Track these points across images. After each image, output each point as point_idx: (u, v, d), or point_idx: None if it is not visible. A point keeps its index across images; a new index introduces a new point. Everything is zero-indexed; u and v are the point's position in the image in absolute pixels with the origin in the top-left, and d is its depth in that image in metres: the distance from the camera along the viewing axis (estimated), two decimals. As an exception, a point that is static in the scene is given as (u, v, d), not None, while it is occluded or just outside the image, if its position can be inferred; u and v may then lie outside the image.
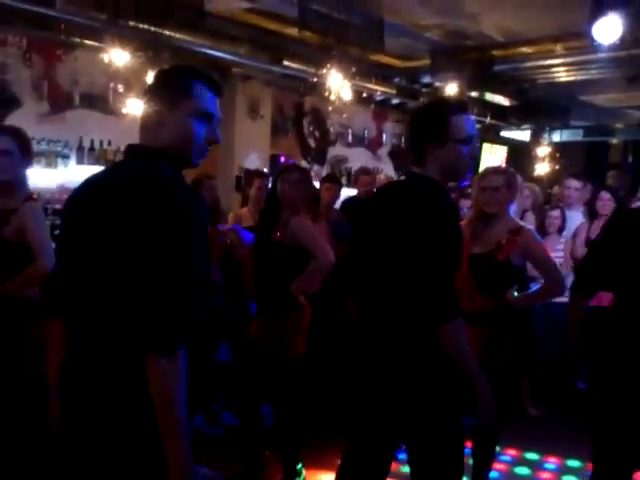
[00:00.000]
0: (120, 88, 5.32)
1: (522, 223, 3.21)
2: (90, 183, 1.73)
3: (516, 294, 3.12)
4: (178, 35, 5.11)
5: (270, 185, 4.26)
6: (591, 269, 2.49)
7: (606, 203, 4.89)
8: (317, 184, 4.97)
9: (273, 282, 3.34)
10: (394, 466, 2.58)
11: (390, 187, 2.57)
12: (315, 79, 6.08)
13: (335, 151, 8.21)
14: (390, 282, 2.14)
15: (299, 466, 3.42)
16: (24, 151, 2.80)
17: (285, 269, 3.30)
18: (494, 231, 3.05)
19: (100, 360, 1.56)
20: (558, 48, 6.16)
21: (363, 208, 2.51)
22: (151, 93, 1.70)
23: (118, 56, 4.89)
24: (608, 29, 4.55)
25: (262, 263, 3.40)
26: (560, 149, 9.61)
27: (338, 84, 5.91)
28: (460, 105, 2.27)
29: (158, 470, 1.47)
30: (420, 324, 2.06)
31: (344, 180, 7.64)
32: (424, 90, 7.60)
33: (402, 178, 2.52)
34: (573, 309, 2.57)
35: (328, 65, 5.75)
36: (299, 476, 3.42)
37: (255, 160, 6.81)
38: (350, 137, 8.35)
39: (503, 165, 9.02)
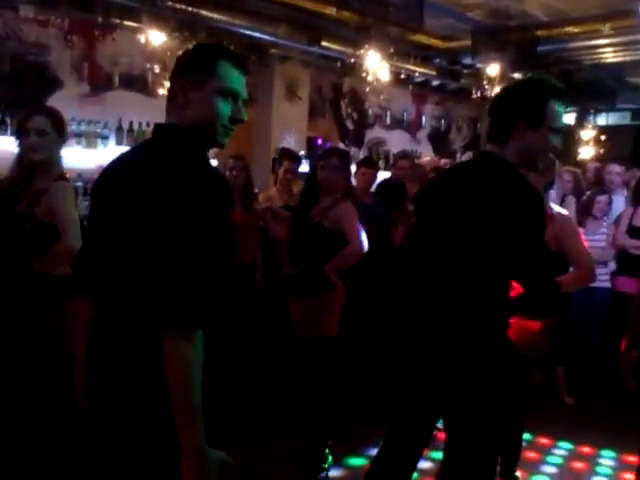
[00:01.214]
0: (157, 69, 5.34)
1: (558, 209, 3.12)
2: (117, 162, 1.74)
3: None
4: (215, 15, 5.10)
5: (309, 168, 4.25)
6: None
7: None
8: (354, 167, 4.93)
9: (309, 263, 3.35)
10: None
11: (463, 167, 2.49)
12: (353, 60, 6.00)
13: (373, 133, 8.13)
14: (471, 266, 2.09)
15: (327, 451, 3.42)
16: (59, 131, 2.83)
17: (322, 252, 3.32)
18: None
19: (121, 340, 1.58)
20: (605, 28, 5.95)
21: (431, 192, 2.38)
22: (177, 72, 1.70)
23: (155, 37, 4.92)
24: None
25: (299, 244, 3.42)
26: (606, 132, 9.34)
27: (376, 65, 5.83)
28: (559, 91, 2.21)
29: (174, 450, 1.47)
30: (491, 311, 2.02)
31: (382, 163, 7.58)
32: (465, 71, 7.45)
33: (472, 158, 2.44)
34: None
35: (366, 45, 5.68)
36: (326, 461, 3.42)
37: (292, 142, 6.79)
38: (388, 119, 8.25)
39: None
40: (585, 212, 4.86)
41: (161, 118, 1.76)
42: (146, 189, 1.53)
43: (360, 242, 3.34)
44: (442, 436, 2.43)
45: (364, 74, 5.85)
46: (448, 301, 2.13)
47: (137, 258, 1.52)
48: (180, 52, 1.94)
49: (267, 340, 4.17)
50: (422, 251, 2.27)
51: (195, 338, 1.46)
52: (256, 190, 4.85)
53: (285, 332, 3.53)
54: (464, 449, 2.16)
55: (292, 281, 3.46)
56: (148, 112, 5.70)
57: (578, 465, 3.84)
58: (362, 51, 5.67)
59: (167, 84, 5.35)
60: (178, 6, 4.75)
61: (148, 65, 5.42)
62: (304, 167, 5.56)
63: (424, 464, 3.40)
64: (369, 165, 4.93)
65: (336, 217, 3.33)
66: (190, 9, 4.83)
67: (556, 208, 3.11)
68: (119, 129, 5.73)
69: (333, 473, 3.46)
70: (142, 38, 4.94)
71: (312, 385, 3.41)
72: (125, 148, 5.59)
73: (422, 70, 7.09)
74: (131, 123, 5.74)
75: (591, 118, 9.27)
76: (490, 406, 2.10)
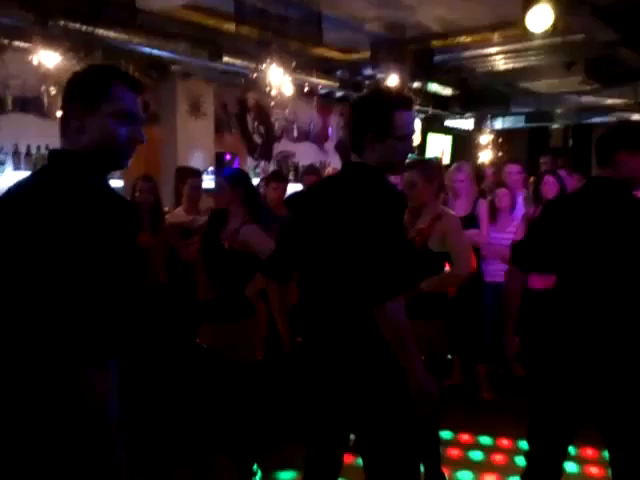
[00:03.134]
0: (53, 90, 5.16)
1: (447, 210, 3.25)
2: (13, 190, 1.67)
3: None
4: (112, 34, 4.97)
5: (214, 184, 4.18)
6: (527, 247, 2.55)
7: (551, 187, 5.01)
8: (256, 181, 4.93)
9: (228, 288, 3.32)
10: (350, 458, 2.59)
11: (331, 178, 2.56)
12: (256, 74, 6.02)
13: (281, 146, 8.16)
14: (334, 266, 2.13)
15: (255, 467, 3.39)
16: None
17: (240, 276, 3.30)
18: (421, 222, 3.11)
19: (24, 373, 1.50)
20: (495, 37, 6.23)
21: (304, 198, 2.51)
22: (69, 96, 1.65)
23: (49, 57, 4.74)
24: (540, 17, 4.63)
25: (217, 269, 3.38)
26: (503, 136, 9.79)
27: (279, 79, 5.87)
28: (405, 101, 2.26)
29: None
30: (361, 304, 2.04)
31: (291, 175, 7.63)
32: (367, 82, 7.61)
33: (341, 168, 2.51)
34: (510, 282, 2.64)
35: (268, 60, 5.71)
36: (255, 476, 3.39)
37: (200, 159, 6.72)
38: (295, 132, 8.32)
39: (446, 155, 9.16)
40: (492, 209, 5.05)
41: (59, 141, 1.71)
42: (43, 218, 1.48)
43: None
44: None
45: (267, 88, 5.88)
46: (324, 298, 2.18)
47: (39, 294, 1.45)
48: (77, 73, 1.88)
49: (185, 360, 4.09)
50: (297, 253, 2.31)
51: (107, 369, 1.41)
52: (166, 209, 4.75)
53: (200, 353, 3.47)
54: (382, 458, 2.18)
55: (209, 307, 3.42)
56: (46, 135, 5.48)
57: (498, 458, 3.97)
58: (264, 66, 5.69)
59: (64, 106, 5.07)
60: (71, 25, 4.60)
61: (43, 87, 5.22)
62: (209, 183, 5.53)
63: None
64: (279, 180, 4.95)
65: (243, 240, 3.32)
66: (84, 28, 4.69)
67: (445, 209, 3.25)
68: (16, 153, 5.50)
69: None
70: (34, 59, 4.74)
71: (233, 404, 3.37)
72: (23, 173, 5.38)
73: (325, 82, 7.20)
74: (29, 147, 5.53)
75: (488, 123, 9.69)
76: (394, 412, 2.13)
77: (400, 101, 2.24)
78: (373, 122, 2.17)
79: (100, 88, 1.63)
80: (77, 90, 1.66)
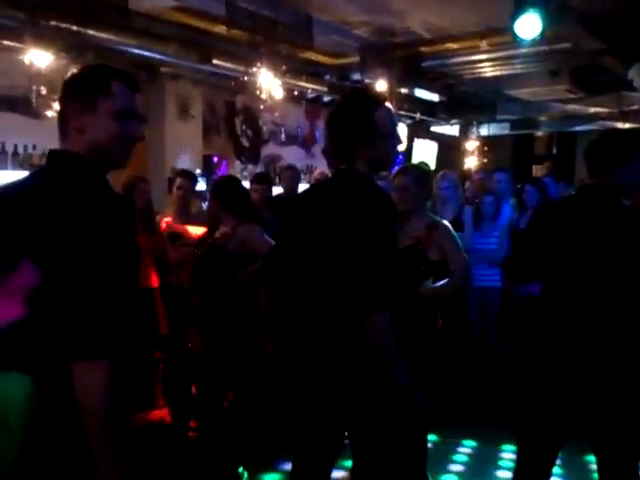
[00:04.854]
0: (43, 90, 5.13)
1: (438, 219, 3.29)
2: (10, 190, 1.66)
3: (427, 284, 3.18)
4: (103, 35, 4.97)
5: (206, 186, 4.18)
6: (521, 258, 2.57)
7: (531, 195, 5.13)
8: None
9: (212, 293, 3.33)
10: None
11: (322, 184, 2.57)
12: (245, 77, 6.03)
13: (268, 150, 8.17)
14: (326, 273, 2.14)
15: (240, 469, 3.40)
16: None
17: (227, 278, 3.30)
18: (410, 227, 3.13)
19: None
20: (483, 44, 6.30)
21: (295, 204, 2.51)
22: (67, 95, 1.65)
23: (39, 57, 4.72)
24: (529, 25, 4.69)
25: (203, 273, 3.39)
26: (488, 143, 9.87)
27: (269, 82, 5.89)
28: (379, 99, 2.28)
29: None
30: (350, 313, 2.07)
31: (278, 179, 7.63)
32: (355, 87, 7.65)
33: (331, 175, 2.53)
34: (505, 294, 2.66)
35: (258, 63, 5.72)
36: (241, 479, 3.39)
37: (187, 161, 6.71)
38: (283, 135, 8.33)
39: (432, 161, 9.21)
40: (477, 215, 5.12)
41: (48, 141, 1.71)
42: (45, 218, 1.48)
43: None
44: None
45: (257, 92, 5.89)
46: (315, 303, 2.19)
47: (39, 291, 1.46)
48: (69, 73, 1.89)
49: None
50: (286, 260, 2.32)
51: (103, 367, 1.41)
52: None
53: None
54: (370, 456, 2.21)
55: (196, 313, 3.43)
56: (33, 135, 5.46)
57: (483, 461, 4.01)
58: (254, 69, 5.70)
59: (55, 106, 5.14)
60: (62, 25, 4.59)
61: (34, 87, 5.19)
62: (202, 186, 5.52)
63: (336, 473, 3.43)
64: (260, 182, 4.97)
65: (242, 240, 3.33)
66: (75, 28, 4.68)
67: (437, 218, 3.28)
68: (2, 152, 5.46)
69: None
70: (25, 59, 4.72)
71: (216, 407, 3.38)
72: (10, 172, 5.35)
73: (313, 87, 7.21)
74: (15, 146, 5.49)
75: (474, 129, 9.77)
76: (381, 415, 2.15)
77: (374, 100, 2.26)
78: (357, 131, 2.18)
79: (98, 87, 1.63)
80: (75, 90, 1.66)
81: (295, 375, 2.27)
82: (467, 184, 6.03)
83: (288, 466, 3.61)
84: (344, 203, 2.13)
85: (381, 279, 2.03)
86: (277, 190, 5.68)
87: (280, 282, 2.38)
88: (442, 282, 3.21)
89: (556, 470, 3.50)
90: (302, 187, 5.57)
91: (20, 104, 5.57)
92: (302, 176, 6.72)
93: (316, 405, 2.22)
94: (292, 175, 5.51)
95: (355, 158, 2.21)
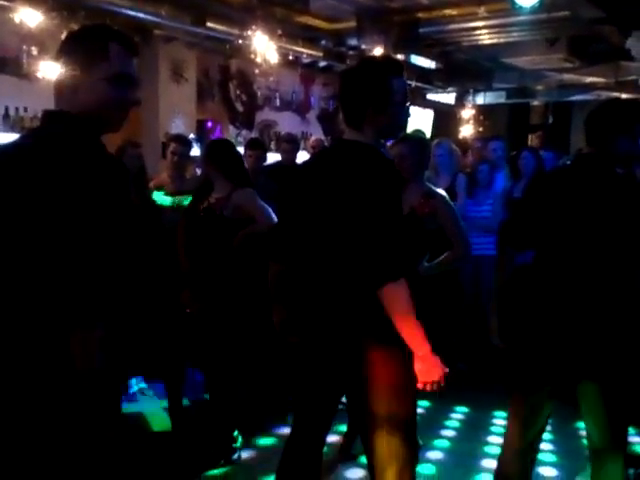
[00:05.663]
0: (34, 51, 5.03)
1: (434, 188, 3.27)
2: (5, 149, 1.65)
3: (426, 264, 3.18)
4: (95, -6, 4.88)
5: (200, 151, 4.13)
6: (518, 225, 2.57)
7: (528, 161, 5.11)
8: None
9: (206, 258, 3.32)
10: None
11: (324, 154, 2.54)
12: (240, 41, 5.94)
13: (263, 115, 8.09)
14: (336, 244, 2.12)
15: (235, 432, 3.43)
16: None
17: (221, 244, 3.29)
18: (407, 196, 3.12)
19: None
20: (481, 10, 6.22)
21: (300, 175, 2.44)
22: (64, 56, 1.62)
23: (30, 16, 4.63)
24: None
25: (197, 238, 3.37)
26: (484, 111, 9.81)
27: (263, 46, 5.81)
28: (397, 66, 2.24)
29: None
30: (363, 285, 2.05)
31: (273, 145, 7.58)
32: (351, 53, 7.56)
33: (333, 144, 2.49)
34: (500, 261, 2.66)
35: (253, 26, 5.64)
36: (236, 442, 3.43)
37: (181, 125, 6.64)
38: (278, 101, 8.24)
39: (428, 128, 9.16)
40: (471, 183, 5.11)
41: (40, 102, 1.69)
42: (38, 179, 1.47)
43: (268, 217, 3.28)
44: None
45: (252, 55, 5.81)
46: (325, 276, 2.17)
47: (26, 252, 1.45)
48: (60, 33, 1.86)
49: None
50: (291, 231, 2.30)
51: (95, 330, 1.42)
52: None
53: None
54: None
55: (188, 277, 3.42)
56: (25, 96, 5.38)
57: (474, 426, 4.06)
58: (249, 32, 5.62)
59: (45, 66, 5.06)
60: (54, -16, 4.50)
61: (24, 47, 5.10)
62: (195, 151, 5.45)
63: (331, 437, 3.48)
64: (254, 147, 4.93)
65: (237, 205, 3.30)
66: (67, -13, 4.59)
67: (434, 188, 3.26)
68: (-7, 115, 5.39)
69: (245, 454, 3.47)
70: (16, 18, 4.62)
71: (213, 369, 3.40)
72: (1, 135, 5.28)
73: (309, 52, 7.13)
74: (7, 108, 5.41)
75: (470, 98, 9.70)
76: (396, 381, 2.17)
77: (393, 67, 2.22)
78: (372, 96, 2.14)
79: (97, 48, 1.60)
80: (72, 49, 1.63)
81: (307, 346, 2.25)
82: (468, 153, 6.00)
83: (282, 430, 3.72)
84: (351, 172, 2.10)
85: (393, 248, 2.01)
86: (271, 156, 5.62)
87: (290, 256, 2.36)
88: (441, 257, 3.21)
89: (546, 436, 3.60)
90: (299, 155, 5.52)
91: (10, 65, 5.48)
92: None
93: (325, 375, 2.23)
94: (292, 148, 5.43)
95: (364, 123, 2.17)
